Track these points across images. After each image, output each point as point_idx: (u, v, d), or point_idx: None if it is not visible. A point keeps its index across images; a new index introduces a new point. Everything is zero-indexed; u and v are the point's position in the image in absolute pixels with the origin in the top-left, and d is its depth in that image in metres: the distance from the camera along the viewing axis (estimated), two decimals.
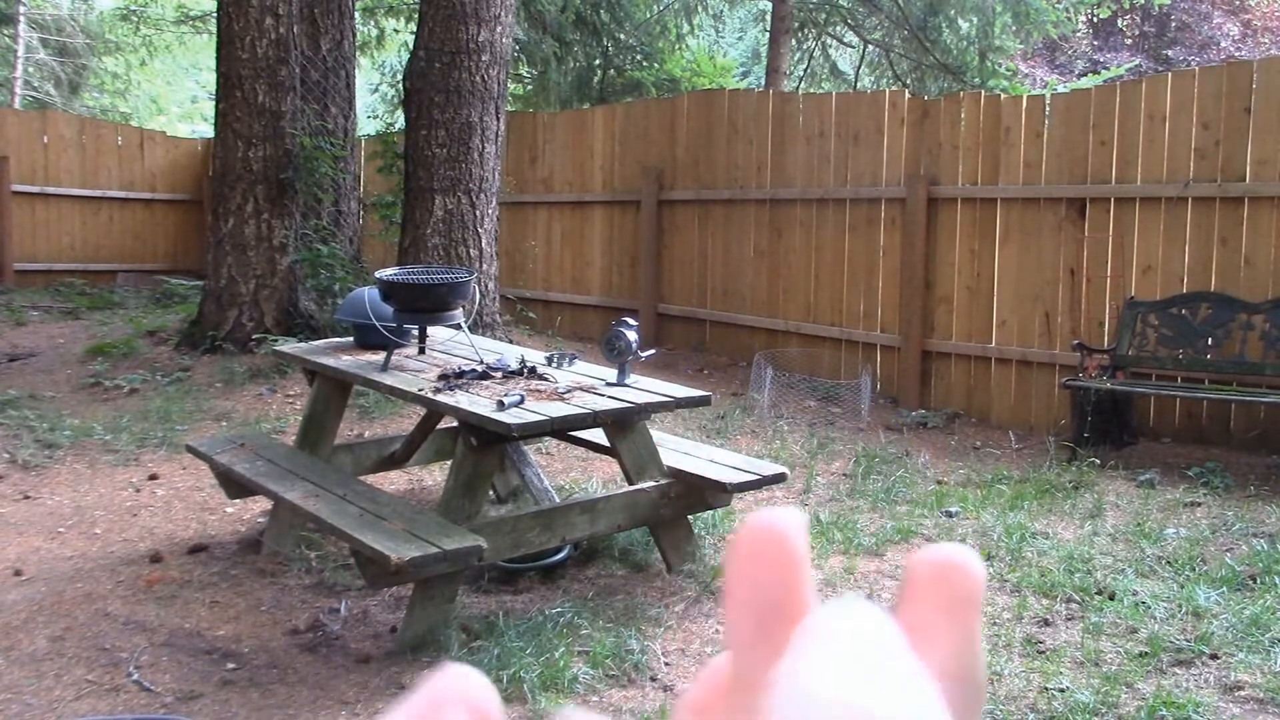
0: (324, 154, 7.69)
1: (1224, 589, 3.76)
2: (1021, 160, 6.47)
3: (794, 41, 13.96)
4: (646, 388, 3.85)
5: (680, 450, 4.18)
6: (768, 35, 13.80)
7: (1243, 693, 3.07)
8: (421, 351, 4.33)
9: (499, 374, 3.93)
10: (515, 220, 9.62)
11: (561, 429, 3.74)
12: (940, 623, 0.24)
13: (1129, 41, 17.02)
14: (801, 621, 0.22)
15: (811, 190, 7.55)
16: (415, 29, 7.53)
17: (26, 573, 3.95)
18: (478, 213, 7.14)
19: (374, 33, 14.40)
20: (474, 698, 0.25)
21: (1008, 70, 13.21)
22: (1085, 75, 14.08)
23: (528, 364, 4.04)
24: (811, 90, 14.01)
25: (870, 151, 7.21)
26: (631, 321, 4.08)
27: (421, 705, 0.25)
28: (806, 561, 0.22)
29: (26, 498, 4.84)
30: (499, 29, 7.09)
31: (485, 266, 7.15)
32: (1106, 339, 6.10)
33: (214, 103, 7.76)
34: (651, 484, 3.87)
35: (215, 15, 7.99)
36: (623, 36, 13.48)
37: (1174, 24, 16.46)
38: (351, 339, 4.49)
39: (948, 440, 6.21)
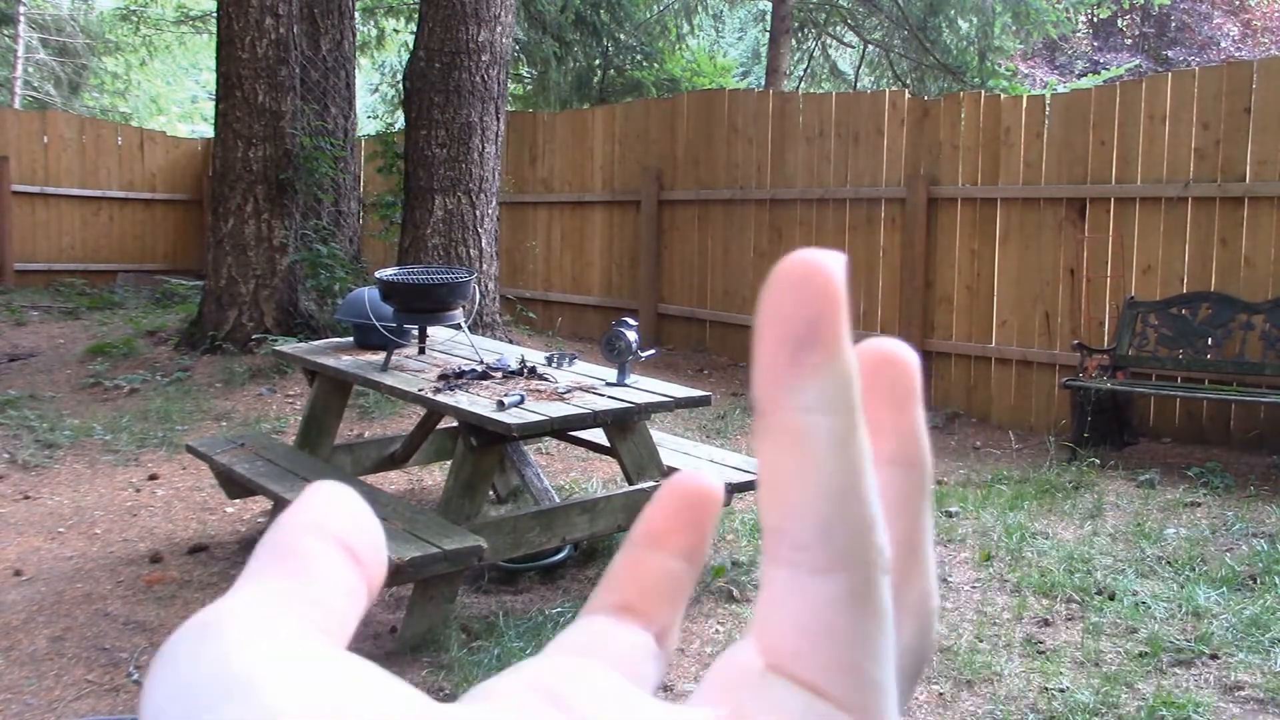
0: (324, 154, 7.69)
1: (1224, 589, 3.76)
2: (1021, 160, 6.47)
3: (794, 41, 13.96)
4: (646, 388, 3.85)
5: (680, 450, 4.18)
6: (768, 35, 13.81)
7: (1243, 693, 3.07)
8: (421, 351, 4.33)
9: (499, 374, 3.93)
10: (515, 220, 9.62)
11: (561, 429, 3.74)
12: (885, 416, 0.25)
13: (1129, 41, 17.02)
14: (833, 354, 0.21)
15: (811, 190, 7.55)
16: (415, 29, 7.54)
17: (26, 573, 3.95)
18: (478, 213, 7.14)
19: (374, 33, 14.41)
20: (342, 528, 0.22)
21: (1008, 70, 13.21)
22: (1085, 75, 14.08)
23: (528, 364, 4.04)
24: (811, 90, 14.01)
25: (870, 151, 7.21)
26: (631, 321, 4.08)
27: (280, 545, 0.21)
28: (844, 296, 0.22)
29: (26, 498, 4.84)
30: (499, 29, 7.09)
31: (485, 266, 7.15)
32: (1106, 339, 6.10)
33: (214, 103, 7.76)
34: (651, 484, 3.87)
35: (215, 15, 7.99)
36: (623, 36, 13.47)
37: (1174, 24, 16.46)
38: (351, 339, 4.49)
39: (948, 440, 6.21)
